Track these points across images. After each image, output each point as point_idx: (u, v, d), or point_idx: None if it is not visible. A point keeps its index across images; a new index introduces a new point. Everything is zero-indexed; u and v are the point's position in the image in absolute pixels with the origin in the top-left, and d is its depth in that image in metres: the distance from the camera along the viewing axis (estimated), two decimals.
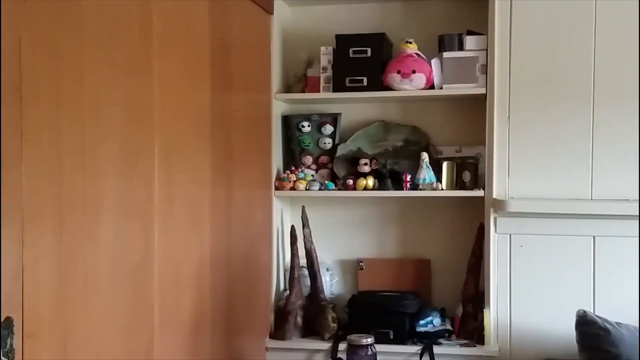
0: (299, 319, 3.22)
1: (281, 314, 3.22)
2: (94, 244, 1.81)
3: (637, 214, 2.79)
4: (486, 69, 3.02)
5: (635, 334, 2.72)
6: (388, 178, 3.20)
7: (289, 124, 3.37)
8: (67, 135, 1.69)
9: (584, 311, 2.76)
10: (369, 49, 3.17)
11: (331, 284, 3.40)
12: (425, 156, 3.12)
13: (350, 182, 3.20)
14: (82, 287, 1.76)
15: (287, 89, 3.37)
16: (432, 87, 3.13)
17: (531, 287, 2.98)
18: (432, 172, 3.11)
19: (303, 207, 3.30)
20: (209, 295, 2.52)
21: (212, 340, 2.55)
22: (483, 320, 3.02)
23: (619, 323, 2.69)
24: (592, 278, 2.93)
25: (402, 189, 3.16)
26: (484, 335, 3.01)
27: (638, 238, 2.85)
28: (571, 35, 2.93)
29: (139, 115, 2.03)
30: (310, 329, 3.22)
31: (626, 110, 2.87)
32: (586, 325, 2.70)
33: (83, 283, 1.76)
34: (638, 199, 2.62)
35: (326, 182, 3.28)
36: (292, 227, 3.31)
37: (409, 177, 3.15)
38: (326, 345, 3.11)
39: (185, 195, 2.34)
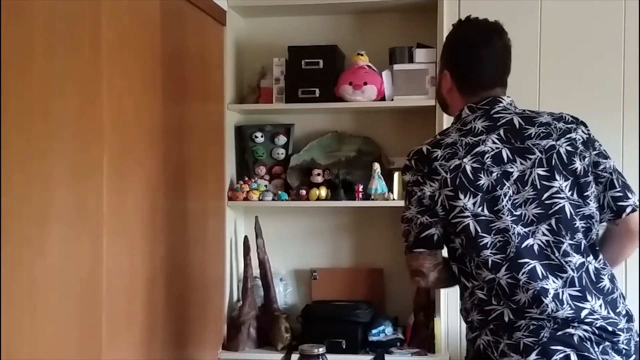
0: (252, 330, 3.21)
1: (234, 325, 3.21)
2: (40, 255, 1.79)
3: None
4: (435, 81, 3.08)
5: None
6: (341, 188, 3.23)
7: (243, 134, 3.38)
8: (13, 144, 1.67)
9: None
10: (321, 61, 3.20)
11: (285, 294, 3.40)
12: (377, 167, 3.16)
13: (304, 192, 3.22)
14: (27, 298, 1.74)
15: (240, 99, 3.38)
16: (383, 98, 3.18)
17: None
18: (384, 182, 3.15)
19: (256, 218, 3.30)
20: (160, 307, 2.50)
21: (164, 352, 2.53)
22: (434, 329, 3.06)
23: None
24: None
25: (355, 199, 3.19)
26: (435, 344, 3.05)
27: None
28: (518, 48, 2.99)
29: (88, 124, 2.02)
30: (264, 340, 3.22)
31: None
32: None
33: (28, 294, 1.74)
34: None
35: (279, 192, 3.29)
36: (246, 238, 3.31)
37: (361, 188, 3.18)
38: (279, 356, 3.11)
39: (136, 206, 2.32)
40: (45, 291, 1.81)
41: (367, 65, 3.19)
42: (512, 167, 1.90)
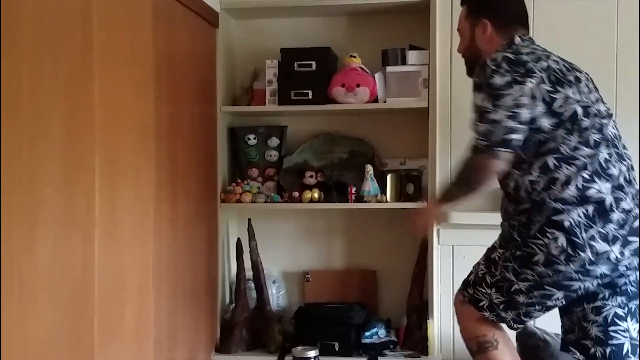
0: (245, 332, 3.21)
1: (227, 327, 3.21)
2: (31, 258, 1.78)
3: None
4: (428, 83, 3.08)
5: None
6: (334, 190, 3.23)
7: (235, 136, 3.38)
8: (1, 145, 1.66)
9: None
10: (313, 63, 3.20)
11: (278, 297, 3.39)
12: (370, 168, 3.16)
13: (296, 194, 3.22)
14: (18, 301, 1.73)
15: (233, 101, 3.37)
16: (376, 100, 3.18)
17: None
18: (376, 184, 3.15)
19: (249, 220, 3.30)
20: (152, 309, 2.49)
21: (156, 354, 2.52)
22: (427, 331, 3.06)
23: (558, 334, 2.74)
24: None
25: (348, 201, 3.19)
26: (428, 346, 3.05)
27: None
28: None
29: (79, 126, 2.01)
30: (257, 342, 3.21)
31: None
32: (526, 336, 2.75)
33: (19, 297, 1.73)
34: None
35: (272, 194, 3.29)
36: (238, 240, 3.30)
37: (354, 189, 3.18)
38: (272, 359, 3.10)
39: (128, 208, 2.31)
40: (36, 294, 1.80)
41: (360, 67, 3.19)
42: (580, 75, 2.24)
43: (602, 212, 2.08)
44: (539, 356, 2.72)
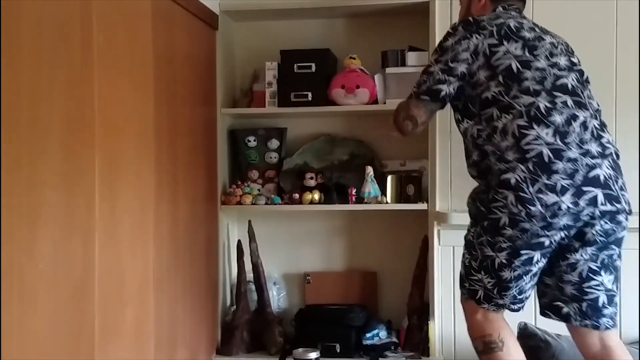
0: (246, 334, 3.20)
1: (228, 329, 3.21)
2: (31, 259, 1.78)
3: None
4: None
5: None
6: (334, 192, 3.23)
7: (235, 138, 3.38)
8: (2, 146, 1.66)
9: (525, 323, 2.83)
10: (313, 64, 3.20)
11: (278, 298, 3.39)
12: (370, 170, 3.16)
13: (297, 196, 3.22)
14: (18, 302, 1.73)
15: (233, 103, 3.37)
16: (375, 101, 3.18)
17: None
18: (377, 186, 3.15)
19: (249, 222, 3.30)
20: (153, 311, 2.49)
21: (157, 356, 2.52)
22: (428, 332, 3.05)
23: (559, 335, 2.74)
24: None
25: (348, 203, 3.19)
26: (429, 347, 3.05)
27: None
28: None
29: (79, 128, 2.01)
30: (257, 344, 3.21)
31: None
32: (527, 337, 2.76)
33: (19, 298, 1.73)
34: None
35: (272, 196, 3.29)
36: (239, 242, 3.30)
37: (354, 191, 3.18)
38: None
39: (129, 209, 2.32)
40: (36, 295, 1.80)
41: (360, 69, 3.20)
42: (545, 37, 2.33)
43: (544, 164, 2.13)
44: (540, 357, 2.72)
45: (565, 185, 2.11)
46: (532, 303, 2.95)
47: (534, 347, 2.73)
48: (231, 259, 3.36)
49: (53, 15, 1.88)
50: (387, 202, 3.16)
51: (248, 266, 3.27)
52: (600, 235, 2.21)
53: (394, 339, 3.15)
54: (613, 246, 2.26)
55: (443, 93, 2.30)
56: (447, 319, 3.06)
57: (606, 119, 2.91)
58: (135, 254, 2.37)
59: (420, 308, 3.14)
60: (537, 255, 2.21)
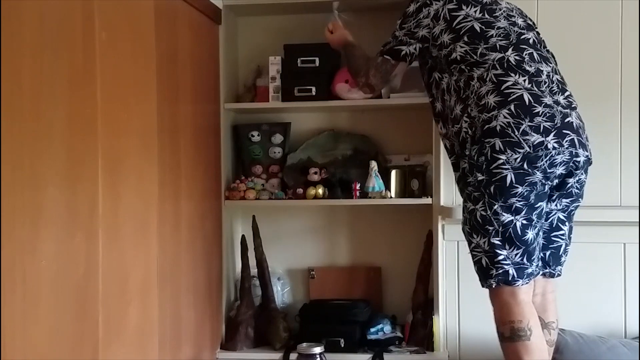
0: (250, 330, 3.20)
1: (232, 325, 3.21)
2: (34, 257, 1.77)
3: None
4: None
5: (579, 340, 2.78)
6: (338, 187, 3.22)
7: (239, 133, 3.37)
8: (3, 145, 1.66)
9: None
10: (317, 59, 3.19)
11: (282, 294, 3.39)
12: (374, 165, 3.14)
13: (300, 191, 3.21)
14: (21, 301, 1.73)
15: (236, 98, 3.36)
16: (379, 96, 3.16)
17: (479, 293, 3.00)
18: (381, 181, 3.14)
19: (253, 217, 3.29)
20: (156, 307, 2.49)
21: (161, 353, 2.52)
22: (432, 327, 3.05)
23: (563, 329, 2.73)
24: None
25: (352, 198, 3.18)
26: (433, 342, 3.04)
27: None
28: None
29: (82, 126, 2.01)
30: (262, 339, 3.21)
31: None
32: None
33: (22, 297, 1.73)
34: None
35: (276, 191, 3.28)
36: (243, 237, 3.30)
37: (358, 186, 3.17)
38: (277, 356, 3.10)
39: (132, 206, 2.31)
40: (39, 293, 1.80)
41: None
42: (500, 1, 2.48)
43: (525, 107, 2.22)
44: None
45: (548, 127, 2.20)
46: None
47: None
48: (235, 255, 3.35)
49: (55, 13, 1.88)
50: (391, 197, 3.15)
51: (252, 261, 3.27)
52: (577, 188, 2.35)
53: (399, 334, 3.14)
54: (580, 198, 2.40)
55: (403, 52, 2.50)
56: (452, 314, 3.05)
57: (610, 112, 2.96)
58: (138, 251, 2.37)
59: (425, 303, 3.13)
60: (543, 204, 2.28)
